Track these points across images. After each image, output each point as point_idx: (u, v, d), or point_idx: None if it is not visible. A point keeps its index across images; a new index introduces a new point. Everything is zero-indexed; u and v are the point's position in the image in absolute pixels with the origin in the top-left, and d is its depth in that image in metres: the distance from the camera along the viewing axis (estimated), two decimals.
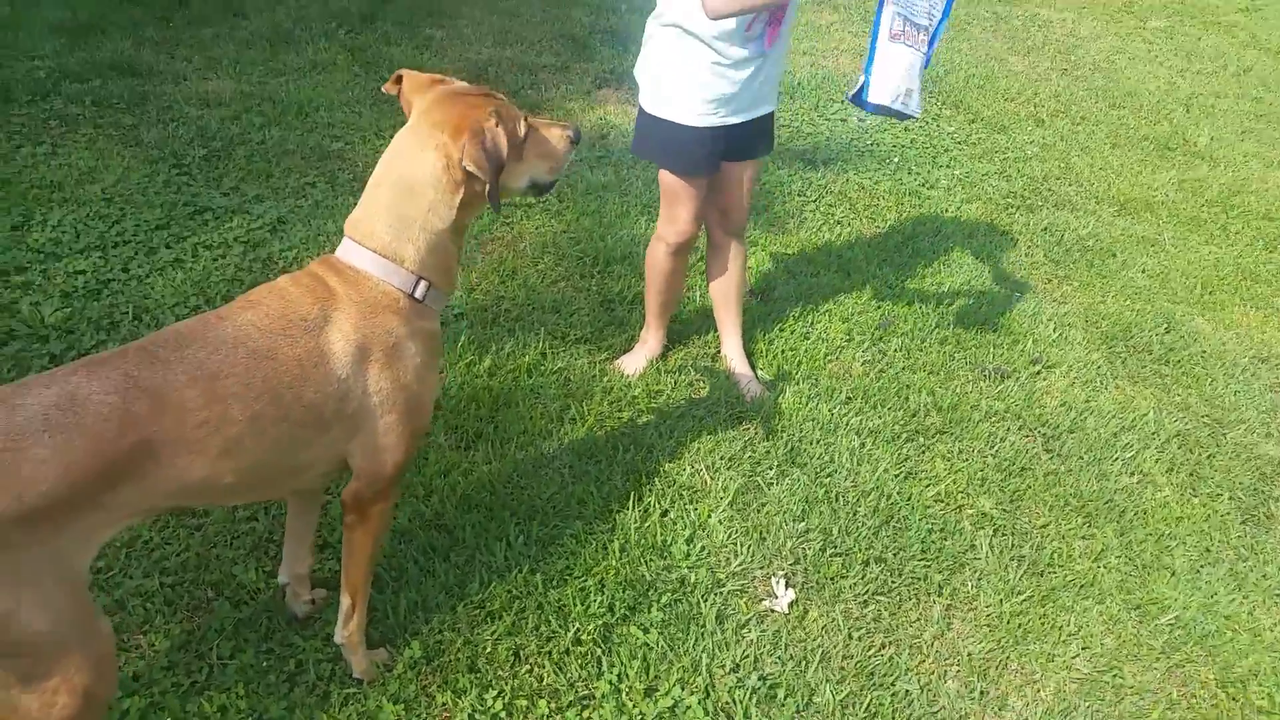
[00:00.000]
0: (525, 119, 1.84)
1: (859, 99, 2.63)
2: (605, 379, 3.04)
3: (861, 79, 2.63)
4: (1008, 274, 3.95)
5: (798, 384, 3.14)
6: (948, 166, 4.80)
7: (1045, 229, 4.33)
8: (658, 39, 2.66)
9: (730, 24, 2.52)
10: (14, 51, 4.58)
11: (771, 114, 2.85)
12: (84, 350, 2.85)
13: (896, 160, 4.79)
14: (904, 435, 3.00)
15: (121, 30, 4.97)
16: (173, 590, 2.21)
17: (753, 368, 3.20)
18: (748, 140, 2.81)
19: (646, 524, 2.56)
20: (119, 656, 2.02)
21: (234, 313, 1.69)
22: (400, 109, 1.87)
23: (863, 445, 2.93)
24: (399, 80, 1.88)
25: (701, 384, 3.11)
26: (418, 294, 1.79)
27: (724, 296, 3.13)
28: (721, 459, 2.80)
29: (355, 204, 1.80)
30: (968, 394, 3.20)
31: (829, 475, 2.81)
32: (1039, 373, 3.35)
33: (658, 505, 2.62)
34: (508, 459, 2.70)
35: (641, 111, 2.77)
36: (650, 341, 3.17)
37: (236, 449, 1.60)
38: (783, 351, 3.30)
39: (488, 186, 1.73)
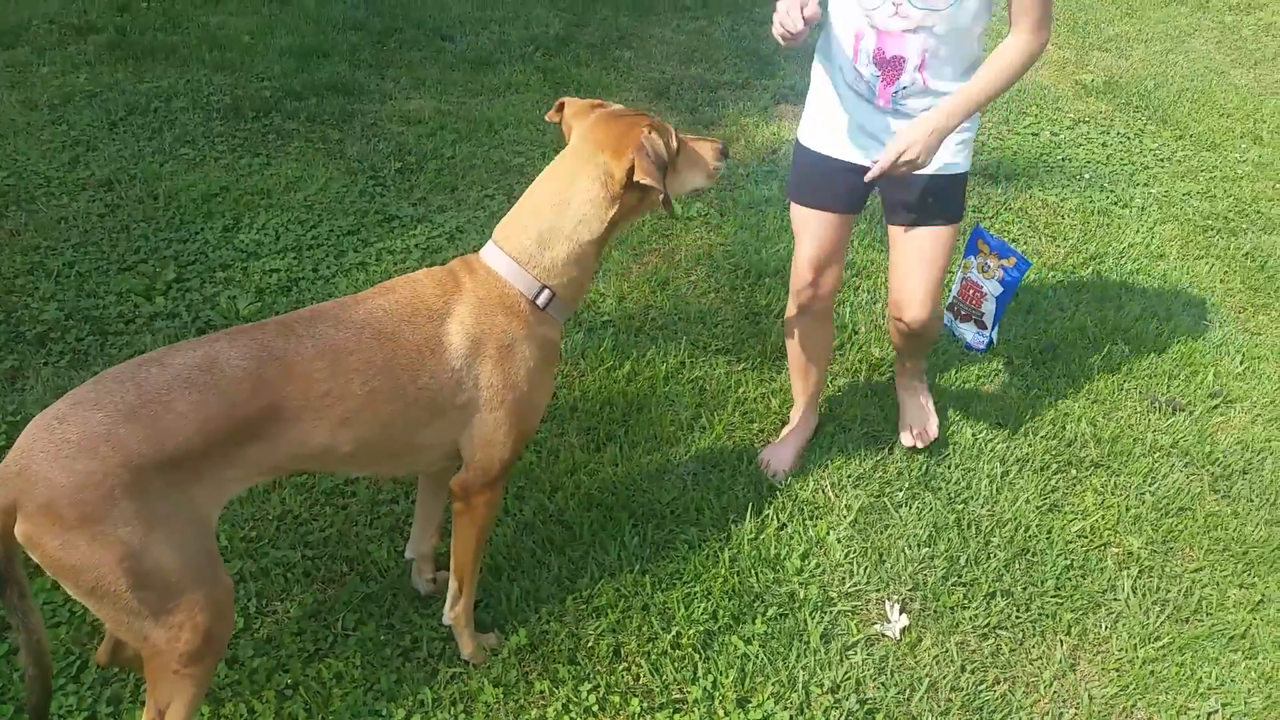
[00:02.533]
0: (677, 133, 1.96)
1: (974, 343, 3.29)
2: (740, 389, 3.06)
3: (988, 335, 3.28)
4: (1197, 300, 3.64)
5: (946, 407, 3.03)
6: (1145, 185, 4.47)
7: (1247, 254, 3.95)
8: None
9: (846, 41, 2.33)
10: (249, 74, 5.13)
11: (929, 179, 2.37)
12: None
13: (1088, 176, 4.51)
14: (1054, 466, 2.84)
15: (341, 54, 5.46)
16: (312, 563, 2.41)
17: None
18: (893, 196, 2.47)
19: (762, 536, 2.56)
20: (257, 620, 2.24)
21: (369, 297, 1.86)
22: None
23: (1005, 473, 2.80)
24: (561, 108, 2.04)
25: (842, 399, 3.06)
26: (540, 300, 1.90)
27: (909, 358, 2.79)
28: (849, 477, 2.75)
29: None
30: (1132, 426, 2.98)
31: (964, 502, 2.71)
32: (1217, 407, 3.07)
33: (775, 518, 2.61)
34: (634, 462, 2.77)
35: None
36: (794, 420, 2.84)
37: (354, 420, 1.75)
38: (933, 371, 3.19)
39: (662, 194, 1.85)
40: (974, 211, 4.19)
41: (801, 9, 2.11)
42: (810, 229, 2.53)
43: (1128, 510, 2.69)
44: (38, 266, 3.49)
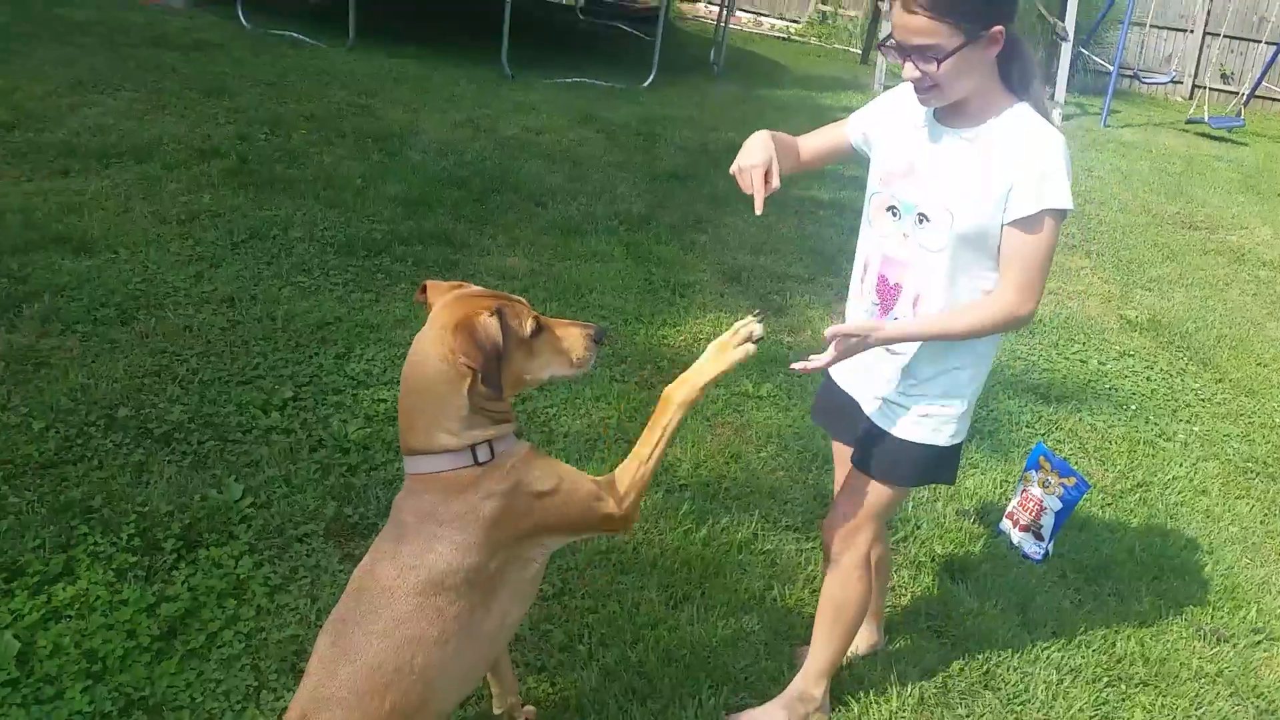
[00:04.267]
0: (536, 318, 1.95)
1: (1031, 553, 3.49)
2: (810, 567, 3.24)
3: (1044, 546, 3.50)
4: (1239, 537, 3.83)
5: (1004, 611, 3.19)
6: (1187, 421, 4.74)
7: None
8: None
9: (858, 268, 2.41)
10: (361, 215, 5.56)
11: (877, 431, 2.37)
12: (374, 466, 3.40)
13: (1134, 407, 4.79)
14: (1105, 680, 2.98)
15: (444, 207, 5.91)
16: None
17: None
18: (840, 417, 2.53)
19: (831, 712, 2.69)
20: None
21: (380, 580, 1.91)
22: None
23: (1060, 681, 2.94)
24: (424, 290, 2.01)
25: (904, 592, 3.24)
26: (481, 459, 1.90)
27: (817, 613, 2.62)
28: (912, 666, 2.89)
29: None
30: (1179, 650, 3.13)
31: (1021, 704, 2.84)
32: (1260, 643, 3.22)
33: (843, 698, 2.74)
34: (710, 624, 2.93)
35: None
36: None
37: (445, 662, 1.89)
38: (992, 575, 3.37)
39: (480, 375, 1.81)
40: (1027, 427, 4.45)
41: (766, 175, 2.20)
42: (840, 460, 2.64)
43: None
44: (164, 370, 3.77)
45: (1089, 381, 5.04)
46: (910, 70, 2.08)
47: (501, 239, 5.61)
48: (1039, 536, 3.50)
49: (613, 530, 2.12)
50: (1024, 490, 3.57)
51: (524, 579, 2.02)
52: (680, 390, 2.12)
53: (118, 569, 2.77)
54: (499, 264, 5.25)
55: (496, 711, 2.45)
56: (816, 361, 2.18)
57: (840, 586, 2.52)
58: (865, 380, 2.43)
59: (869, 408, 2.42)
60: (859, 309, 2.40)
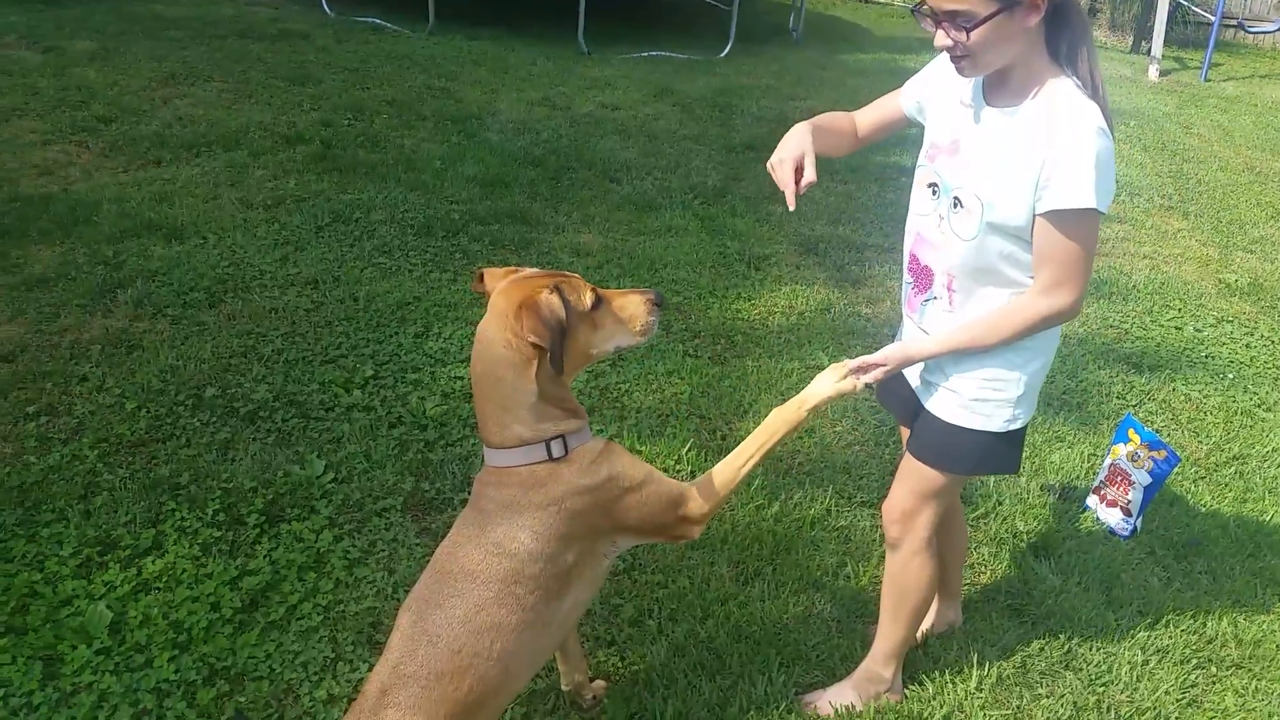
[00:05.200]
0: (593, 290, 1.95)
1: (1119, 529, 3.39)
2: (884, 545, 3.18)
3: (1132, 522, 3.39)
4: None
5: (1087, 589, 3.10)
6: None
7: None
8: None
9: (905, 243, 2.33)
10: (440, 196, 5.64)
11: (929, 416, 2.30)
12: (451, 442, 3.46)
13: (1231, 376, 4.57)
14: (1194, 661, 2.86)
15: (520, 186, 5.95)
16: None
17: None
18: (898, 398, 2.46)
19: (905, 692, 2.65)
20: None
21: (464, 566, 1.93)
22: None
23: (1145, 662, 2.84)
24: (481, 278, 2.01)
25: (984, 569, 3.16)
26: (555, 454, 1.93)
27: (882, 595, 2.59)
28: (990, 646, 2.83)
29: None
30: (1274, 632, 2.99)
31: (1104, 685, 2.75)
32: None
33: (919, 676, 2.70)
34: (780, 601, 2.91)
35: None
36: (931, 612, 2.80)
37: (520, 647, 1.93)
38: (1076, 553, 3.27)
39: (549, 353, 1.82)
40: (1117, 399, 4.29)
41: (798, 167, 2.10)
42: (903, 435, 2.57)
43: (1270, 717, 2.69)
44: (250, 350, 3.89)
45: (1184, 349, 4.83)
46: (941, 38, 1.93)
47: (576, 216, 5.63)
48: (1127, 512, 3.37)
49: (683, 537, 2.12)
50: (1112, 464, 3.45)
51: (596, 572, 2.05)
52: (786, 410, 2.15)
53: (203, 543, 2.89)
54: (573, 241, 5.27)
55: (565, 687, 2.48)
56: (865, 378, 2.15)
57: (901, 570, 2.46)
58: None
59: (919, 391, 2.34)
60: (902, 287, 2.34)
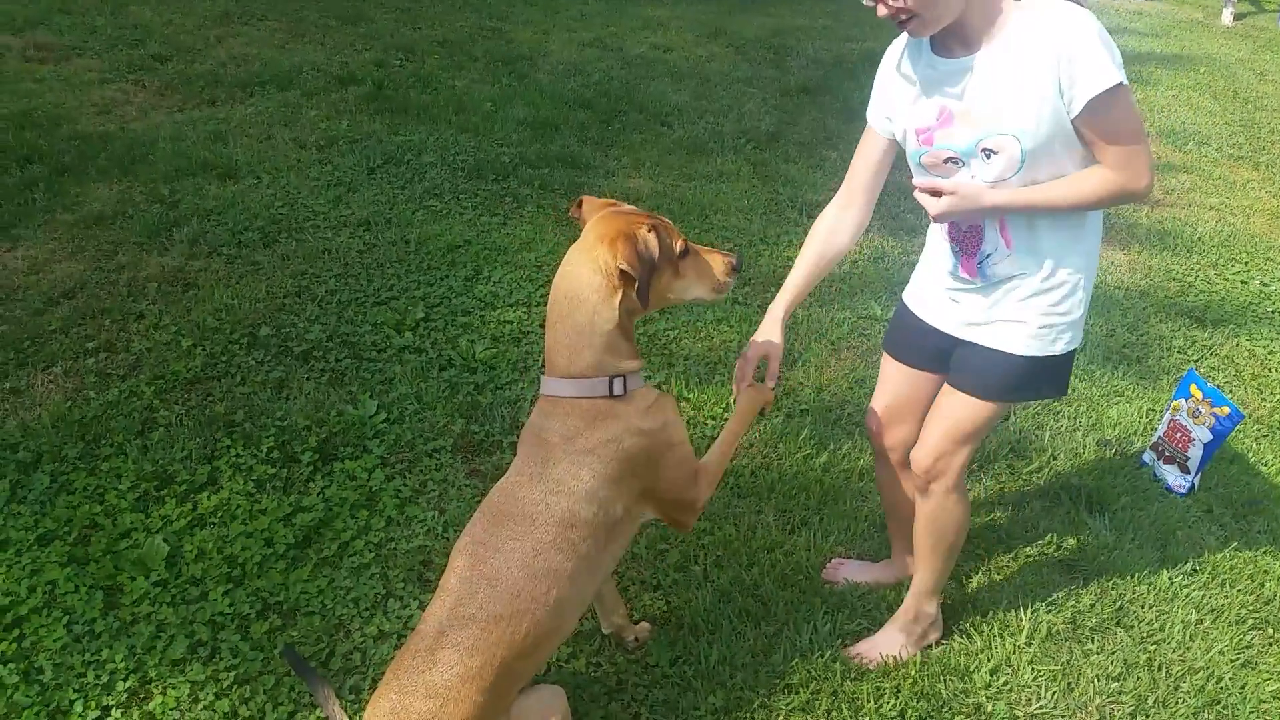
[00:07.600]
0: (684, 240, 2.01)
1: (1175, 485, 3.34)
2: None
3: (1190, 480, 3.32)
4: None
5: (1141, 546, 3.04)
6: None
7: None
8: None
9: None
10: (490, 139, 5.61)
11: (986, 351, 2.26)
12: (499, 385, 3.47)
13: None
14: (1250, 621, 2.81)
15: (571, 129, 5.90)
16: None
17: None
18: (932, 351, 2.42)
19: (951, 645, 2.64)
20: None
21: (520, 505, 1.93)
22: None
23: (1199, 621, 2.79)
24: (580, 205, 2.07)
25: (1036, 523, 3.12)
26: (616, 392, 1.96)
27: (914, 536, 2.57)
28: (1040, 601, 2.80)
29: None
30: None
31: (1155, 643, 2.71)
32: None
33: (966, 629, 2.68)
34: (826, 550, 2.90)
35: None
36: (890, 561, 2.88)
37: (567, 593, 1.92)
38: (1130, 509, 3.21)
39: (638, 283, 1.88)
40: (1179, 353, 4.18)
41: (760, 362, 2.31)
42: (888, 377, 2.56)
43: None
44: (304, 291, 3.93)
45: (1250, 304, 4.67)
46: (881, 9, 1.93)
47: (626, 160, 5.57)
48: (1185, 469, 3.30)
49: (681, 522, 2.16)
50: (1172, 420, 3.36)
51: (630, 534, 2.10)
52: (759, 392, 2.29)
53: (258, 480, 2.94)
54: (623, 186, 5.22)
55: (606, 630, 2.51)
56: (930, 192, 2.06)
57: (937, 512, 2.43)
58: (954, 311, 2.31)
59: (965, 334, 2.29)
60: (944, 252, 2.26)
